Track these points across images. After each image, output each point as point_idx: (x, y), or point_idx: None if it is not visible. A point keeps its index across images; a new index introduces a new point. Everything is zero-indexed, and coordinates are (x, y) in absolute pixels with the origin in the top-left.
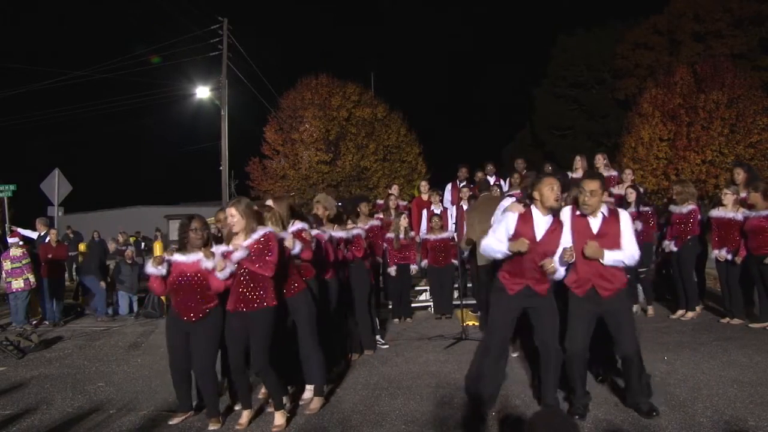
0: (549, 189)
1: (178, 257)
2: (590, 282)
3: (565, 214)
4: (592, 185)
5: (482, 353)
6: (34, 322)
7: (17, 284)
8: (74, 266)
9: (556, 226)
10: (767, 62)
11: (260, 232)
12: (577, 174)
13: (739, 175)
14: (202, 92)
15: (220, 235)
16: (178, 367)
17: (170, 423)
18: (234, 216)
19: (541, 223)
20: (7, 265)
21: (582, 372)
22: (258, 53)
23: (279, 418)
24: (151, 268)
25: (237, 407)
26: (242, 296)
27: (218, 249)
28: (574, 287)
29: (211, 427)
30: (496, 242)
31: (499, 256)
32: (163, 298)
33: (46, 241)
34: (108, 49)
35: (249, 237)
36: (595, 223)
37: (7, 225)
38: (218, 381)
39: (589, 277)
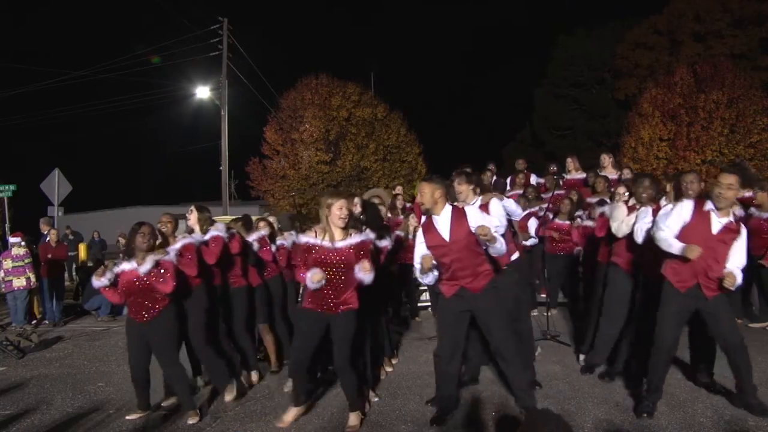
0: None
1: (124, 265)
2: (695, 280)
3: (687, 206)
4: (730, 179)
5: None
6: (34, 322)
7: (19, 282)
8: (74, 266)
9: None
10: (767, 62)
11: (358, 237)
12: (571, 175)
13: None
14: (202, 92)
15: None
16: (135, 364)
17: (127, 418)
18: (344, 210)
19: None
20: (8, 264)
21: (665, 369)
22: (258, 53)
23: (354, 419)
24: (95, 281)
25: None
26: (325, 298)
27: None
28: (675, 282)
29: (190, 421)
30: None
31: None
32: None
33: (46, 240)
34: (108, 49)
35: (346, 239)
36: (717, 222)
37: (7, 225)
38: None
39: (695, 275)
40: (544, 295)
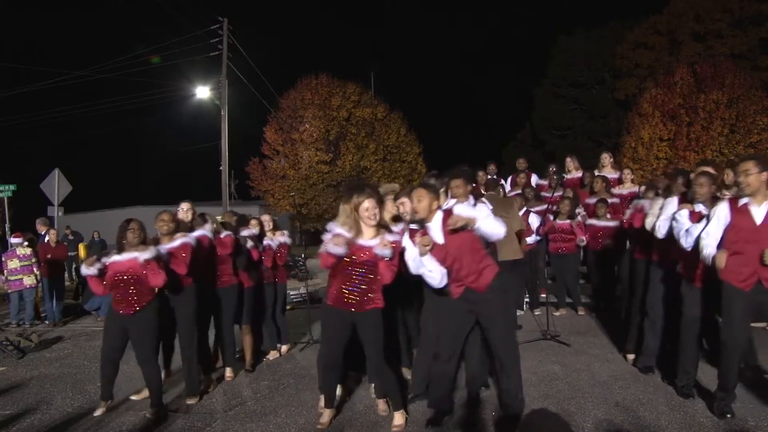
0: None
1: (114, 257)
2: (756, 276)
3: (723, 208)
4: (746, 165)
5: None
6: (37, 321)
7: (29, 280)
8: (74, 266)
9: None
10: (767, 62)
11: (391, 237)
12: (570, 175)
13: (729, 176)
14: (202, 92)
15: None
16: (107, 357)
17: (94, 414)
18: (373, 209)
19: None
20: (15, 264)
21: (738, 367)
22: (258, 53)
23: (398, 418)
24: (84, 269)
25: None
26: (351, 296)
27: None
28: (737, 282)
29: (148, 415)
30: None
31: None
32: None
33: (46, 240)
34: (108, 49)
35: (377, 237)
36: (758, 213)
37: (7, 225)
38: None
39: (755, 272)
40: (544, 295)
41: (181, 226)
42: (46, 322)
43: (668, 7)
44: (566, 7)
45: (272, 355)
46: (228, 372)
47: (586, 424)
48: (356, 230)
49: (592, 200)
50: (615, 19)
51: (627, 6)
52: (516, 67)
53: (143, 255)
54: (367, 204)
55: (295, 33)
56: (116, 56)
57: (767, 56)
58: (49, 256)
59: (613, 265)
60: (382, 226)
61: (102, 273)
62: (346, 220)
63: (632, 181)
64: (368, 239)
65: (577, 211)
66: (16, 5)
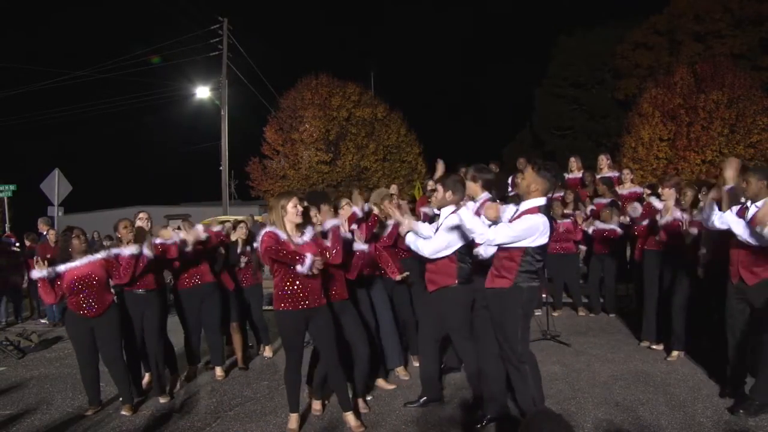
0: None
1: (68, 265)
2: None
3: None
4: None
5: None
6: (44, 321)
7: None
8: None
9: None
10: (767, 62)
11: (311, 232)
12: (573, 174)
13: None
14: (202, 92)
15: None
16: (87, 362)
17: (85, 414)
18: (299, 207)
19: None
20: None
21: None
22: (258, 53)
23: (354, 419)
24: (35, 272)
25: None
26: (300, 295)
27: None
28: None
29: (124, 413)
30: None
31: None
32: None
33: (45, 240)
34: (108, 49)
35: (304, 234)
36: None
37: (7, 225)
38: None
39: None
40: (544, 295)
41: (139, 234)
42: (43, 321)
43: (668, 7)
44: (566, 7)
45: (268, 352)
46: (218, 371)
47: (586, 424)
48: (285, 232)
49: (603, 200)
50: (615, 19)
51: (627, 6)
52: (516, 67)
53: (127, 250)
54: (293, 202)
55: (295, 33)
56: (116, 56)
57: (767, 56)
58: (49, 255)
59: (619, 266)
60: (303, 225)
61: (53, 281)
62: (276, 221)
63: (632, 181)
64: (298, 236)
65: (578, 212)
66: (17, 5)
